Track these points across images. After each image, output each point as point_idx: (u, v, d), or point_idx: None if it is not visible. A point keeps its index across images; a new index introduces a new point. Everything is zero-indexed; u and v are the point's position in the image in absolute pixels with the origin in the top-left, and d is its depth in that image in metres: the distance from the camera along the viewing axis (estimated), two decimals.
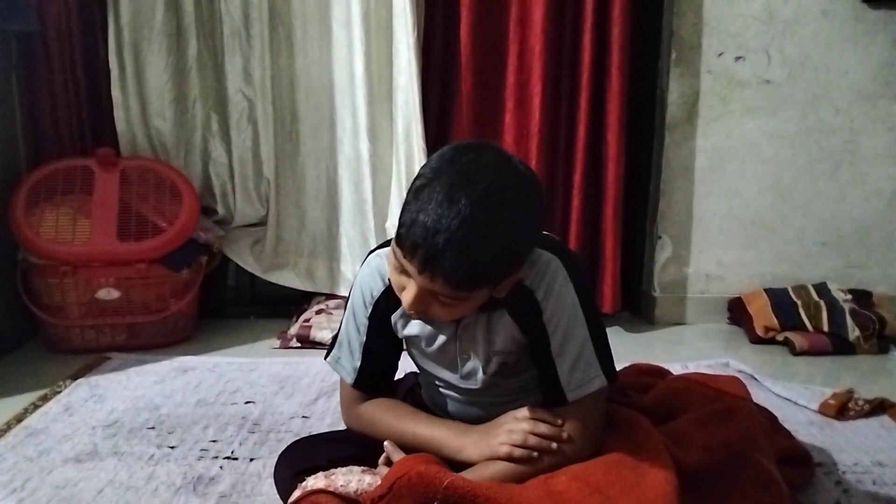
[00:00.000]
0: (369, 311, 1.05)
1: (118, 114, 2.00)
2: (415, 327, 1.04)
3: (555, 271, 0.97)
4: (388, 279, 0.99)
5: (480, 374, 1.03)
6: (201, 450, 1.32)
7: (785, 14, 1.97)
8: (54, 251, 1.81)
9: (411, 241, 0.84)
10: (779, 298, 2.01)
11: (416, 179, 0.88)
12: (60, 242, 1.82)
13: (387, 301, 1.04)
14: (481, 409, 1.08)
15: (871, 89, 2.01)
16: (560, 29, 1.96)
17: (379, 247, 1.09)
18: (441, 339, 1.03)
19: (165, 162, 2.04)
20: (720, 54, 2.01)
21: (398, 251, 0.87)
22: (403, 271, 0.89)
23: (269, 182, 2.11)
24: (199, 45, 2.02)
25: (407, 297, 0.89)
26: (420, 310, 0.91)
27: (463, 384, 1.06)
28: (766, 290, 2.06)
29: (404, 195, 2.17)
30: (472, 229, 0.82)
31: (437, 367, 1.08)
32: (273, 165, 2.10)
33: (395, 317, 1.05)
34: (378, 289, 1.04)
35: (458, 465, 0.98)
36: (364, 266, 1.07)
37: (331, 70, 2.04)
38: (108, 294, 1.86)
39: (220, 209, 2.14)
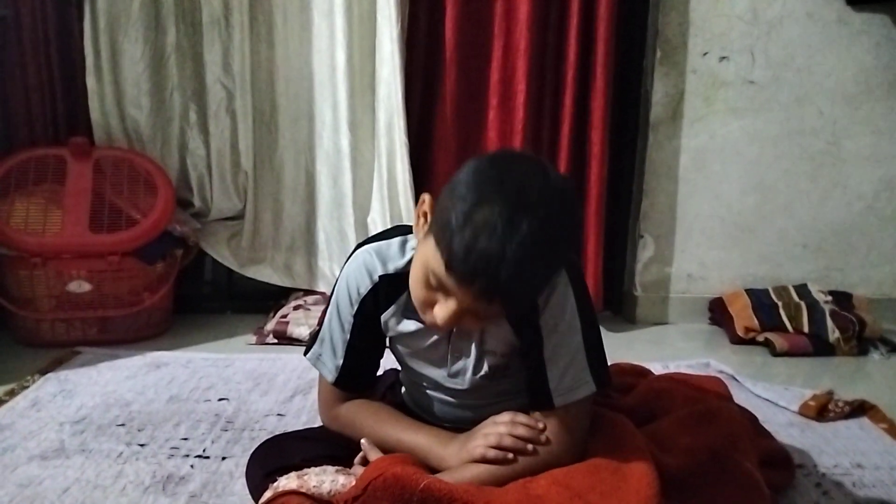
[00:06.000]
0: (355, 308, 1.02)
1: (93, 102, 1.96)
2: (407, 325, 1.02)
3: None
4: (377, 276, 0.99)
5: (469, 375, 1.02)
6: (172, 448, 1.29)
7: (770, 15, 1.97)
8: (24, 242, 1.77)
9: (470, 271, 0.79)
10: (759, 299, 2.01)
11: (456, 199, 0.81)
12: (31, 233, 1.78)
13: (374, 299, 1.01)
14: (466, 410, 1.07)
15: (854, 92, 2.01)
16: (545, 26, 1.94)
17: (366, 241, 1.05)
18: (433, 337, 1.01)
19: (141, 152, 2.00)
20: (705, 54, 2.00)
21: (445, 276, 0.82)
22: (440, 288, 0.85)
23: (246, 175, 2.07)
24: (177, 33, 1.97)
25: (441, 314, 0.86)
26: (451, 325, 0.88)
27: (449, 383, 1.04)
28: (746, 290, 2.06)
29: (385, 191, 2.15)
30: (536, 257, 0.80)
31: (425, 364, 1.05)
32: (251, 158, 2.06)
33: (385, 316, 1.02)
34: (365, 286, 1.01)
35: (438, 469, 0.96)
36: (351, 261, 1.03)
37: (311, 61, 2.01)
38: (80, 287, 1.81)
39: (197, 202, 2.10)
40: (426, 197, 0.93)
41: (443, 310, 0.86)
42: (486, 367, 1.01)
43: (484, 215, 0.79)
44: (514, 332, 0.98)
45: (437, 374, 1.05)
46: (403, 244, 1.01)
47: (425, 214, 0.92)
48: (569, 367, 0.95)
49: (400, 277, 0.98)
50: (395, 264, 1.00)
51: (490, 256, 0.78)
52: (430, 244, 0.85)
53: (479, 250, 0.78)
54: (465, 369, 1.02)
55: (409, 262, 0.97)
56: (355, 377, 1.07)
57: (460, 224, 0.79)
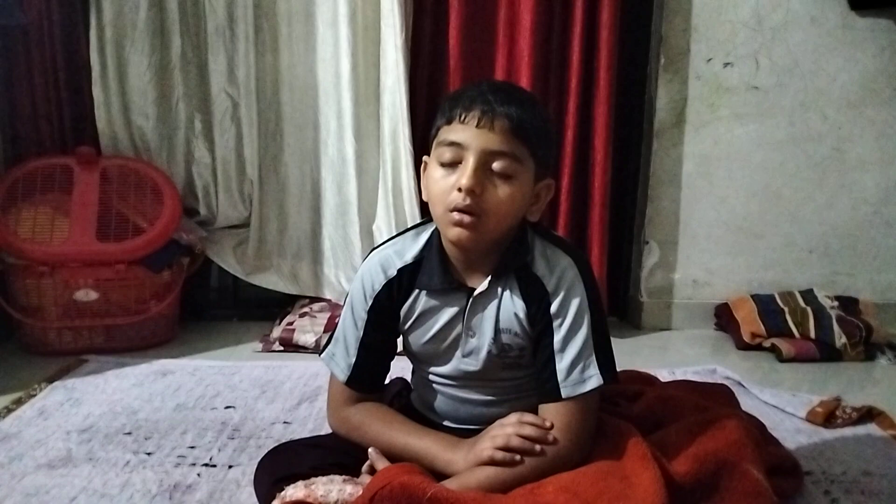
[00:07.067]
0: (369, 304, 1.06)
1: (99, 112, 1.97)
2: (426, 303, 1.05)
3: (566, 268, 1.00)
4: (394, 270, 1.04)
5: (483, 353, 1.03)
6: (179, 456, 1.29)
7: (774, 21, 1.97)
8: (32, 251, 1.77)
9: (465, 103, 0.95)
10: (766, 305, 2.00)
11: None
12: (38, 242, 1.79)
13: (389, 293, 1.05)
14: (473, 406, 1.08)
15: (858, 97, 2.01)
16: (549, 33, 1.94)
17: (379, 245, 1.10)
18: (450, 311, 1.04)
19: (147, 161, 2.01)
20: (709, 60, 2.00)
21: (450, 131, 0.96)
22: (452, 160, 0.95)
23: (252, 183, 2.08)
24: (182, 43, 1.99)
25: (465, 175, 0.93)
26: (477, 189, 0.93)
27: (463, 364, 1.05)
28: (752, 296, 2.06)
29: (390, 198, 2.15)
30: (515, 87, 1.02)
31: (439, 347, 1.06)
32: (256, 166, 2.07)
33: (404, 308, 1.06)
34: (379, 282, 1.05)
35: (446, 477, 0.96)
36: (366, 261, 1.09)
37: (316, 70, 2.01)
38: (87, 295, 1.82)
39: (203, 210, 2.10)
40: (426, 158, 1.04)
41: (465, 172, 0.94)
42: (500, 344, 1.03)
43: (464, 86, 1.02)
44: (526, 318, 1.01)
45: (451, 355, 1.06)
46: (417, 234, 1.07)
47: (426, 165, 1.04)
48: (577, 359, 0.98)
49: (418, 263, 1.04)
50: (412, 253, 1.06)
51: (477, 89, 0.96)
52: (433, 149, 1.00)
53: (467, 90, 0.98)
54: (479, 348, 1.04)
55: (425, 244, 1.05)
56: (366, 377, 1.09)
57: (448, 95, 1.02)
